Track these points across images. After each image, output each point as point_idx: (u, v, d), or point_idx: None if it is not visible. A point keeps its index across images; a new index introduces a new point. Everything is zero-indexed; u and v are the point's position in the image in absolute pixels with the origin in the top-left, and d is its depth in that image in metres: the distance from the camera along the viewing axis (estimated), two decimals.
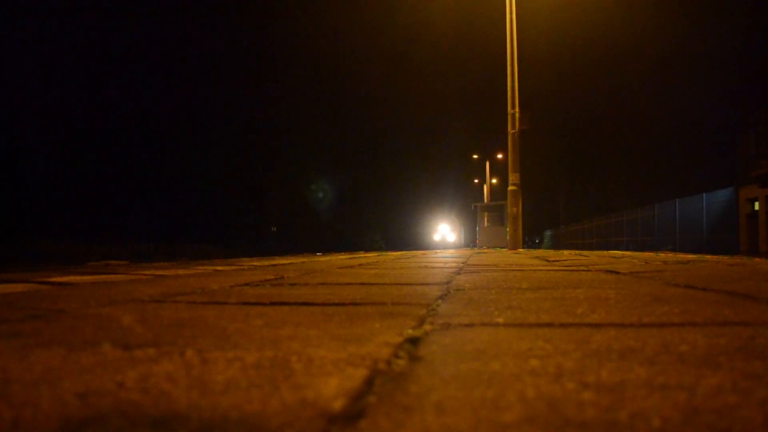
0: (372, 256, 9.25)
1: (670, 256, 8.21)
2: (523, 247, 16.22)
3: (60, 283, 2.96)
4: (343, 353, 1.14)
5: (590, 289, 2.53)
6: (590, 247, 31.86)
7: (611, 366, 1.02)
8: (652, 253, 9.87)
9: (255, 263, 5.70)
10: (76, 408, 0.80)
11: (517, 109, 14.92)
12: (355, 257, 8.15)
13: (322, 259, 7.01)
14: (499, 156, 47.79)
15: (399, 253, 12.40)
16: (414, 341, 1.27)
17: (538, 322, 1.54)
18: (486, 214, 32.98)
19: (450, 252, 13.21)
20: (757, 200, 21.53)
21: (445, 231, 54.35)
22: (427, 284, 2.86)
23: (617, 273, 3.67)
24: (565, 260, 6.02)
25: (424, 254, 10.16)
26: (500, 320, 1.58)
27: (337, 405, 0.80)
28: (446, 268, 4.57)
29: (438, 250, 15.94)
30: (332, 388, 0.88)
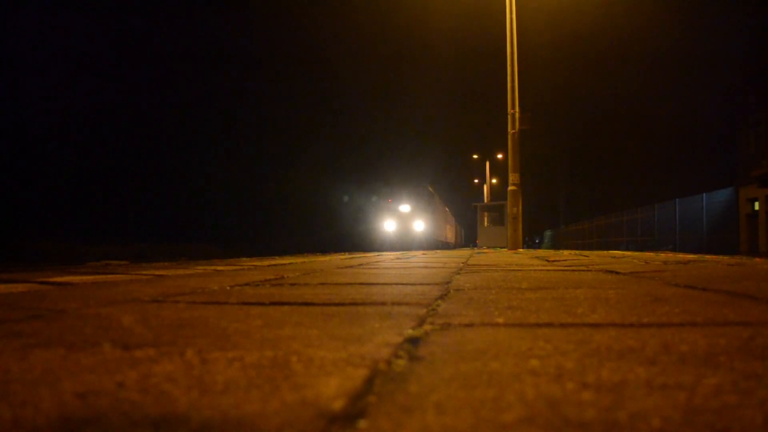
0: (372, 256, 9.25)
1: (670, 256, 8.21)
2: (523, 247, 16.22)
3: (60, 283, 2.96)
4: (343, 353, 1.14)
5: (590, 289, 2.53)
6: (590, 247, 31.87)
7: (611, 366, 1.02)
8: (652, 253, 9.87)
9: (255, 263, 5.71)
10: (76, 408, 0.80)
11: (517, 109, 14.92)
12: (354, 257, 8.15)
13: (322, 259, 7.01)
14: (499, 156, 47.81)
15: (399, 253, 12.39)
16: (414, 341, 1.27)
17: (538, 322, 1.54)
18: (486, 214, 33.10)
19: (447, 253, 13.18)
20: (757, 200, 21.53)
21: (407, 213, 26.66)
22: (427, 284, 2.86)
23: (617, 273, 3.67)
24: (565, 260, 6.02)
25: (424, 254, 10.16)
26: (500, 320, 1.58)
27: (337, 405, 0.80)
28: (446, 268, 4.57)
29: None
30: (332, 388, 0.88)
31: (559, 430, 0.70)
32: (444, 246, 34.30)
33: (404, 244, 25.97)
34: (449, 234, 41.42)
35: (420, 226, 26.55)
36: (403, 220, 26.68)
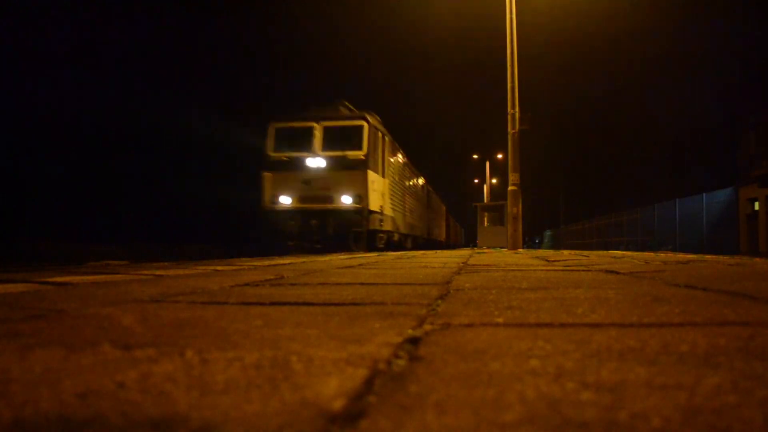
0: (372, 256, 9.25)
1: (670, 256, 8.21)
2: (523, 247, 16.22)
3: (60, 283, 2.96)
4: (343, 353, 1.14)
5: (590, 289, 2.53)
6: (590, 247, 31.87)
7: (611, 366, 1.02)
8: (652, 253, 9.87)
9: (255, 263, 5.70)
10: (76, 408, 0.80)
11: (517, 109, 14.92)
12: (354, 257, 8.15)
13: (321, 259, 7.01)
14: (499, 156, 47.81)
15: (398, 252, 12.38)
16: (414, 341, 1.27)
17: (538, 322, 1.54)
18: (486, 214, 32.72)
19: (445, 253, 13.13)
20: (757, 200, 21.55)
21: (323, 173, 13.42)
22: (427, 284, 2.86)
23: (617, 273, 3.67)
24: (565, 260, 6.02)
25: (424, 254, 10.16)
26: (500, 320, 1.58)
27: (337, 405, 0.80)
28: (446, 268, 4.57)
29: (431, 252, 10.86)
30: (332, 388, 0.88)
31: (559, 430, 0.70)
32: (428, 245, 23.93)
33: (321, 239, 13.79)
34: (437, 227, 28.80)
35: (350, 200, 13.39)
36: (316, 188, 13.50)
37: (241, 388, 0.89)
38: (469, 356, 1.11)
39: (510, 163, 15.00)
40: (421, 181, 24.09)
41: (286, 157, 14.06)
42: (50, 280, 3.21)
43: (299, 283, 2.96)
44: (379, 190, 14.95)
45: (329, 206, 13.68)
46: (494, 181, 56.52)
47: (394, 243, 17.41)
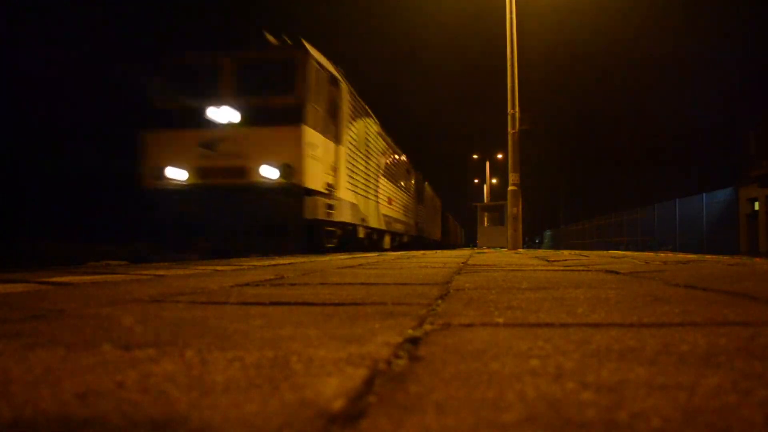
0: (372, 256, 9.25)
1: (670, 256, 8.21)
2: (523, 247, 16.23)
3: (60, 283, 2.96)
4: (343, 353, 1.14)
5: (590, 289, 2.53)
6: (590, 247, 31.89)
7: (611, 366, 1.02)
8: (652, 253, 9.88)
9: (255, 263, 5.70)
10: (76, 408, 0.80)
11: (517, 109, 14.92)
12: (354, 257, 8.15)
13: (321, 259, 7.01)
14: (499, 156, 47.87)
15: (399, 253, 12.37)
16: (414, 341, 1.27)
17: (538, 322, 1.54)
18: (486, 214, 32.71)
19: (445, 253, 13.13)
20: (757, 200, 21.55)
21: (234, 131, 8.01)
22: (427, 284, 2.86)
23: (617, 273, 3.67)
24: (565, 260, 6.02)
25: (424, 254, 10.16)
26: (500, 320, 1.58)
27: (337, 405, 0.80)
28: (446, 268, 4.57)
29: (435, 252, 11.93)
30: (332, 388, 0.88)
31: (559, 430, 0.70)
32: (418, 244, 20.73)
33: (231, 235, 9.09)
34: (430, 224, 24.55)
35: (275, 172, 8.69)
36: (223, 155, 8.81)
37: (241, 388, 0.89)
38: (469, 356, 1.11)
39: (510, 163, 15.01)
40: (407, 164, 19.30)
41: (177, 106, 9.02)
42: (50, 280, 3.21)
43: (299, 283, 2.96)
44: (325, 160, 9.86)
45: (241, 182, 8.83)
46: (494, 181, 56.61)
47: (360, 241, 12.74)
